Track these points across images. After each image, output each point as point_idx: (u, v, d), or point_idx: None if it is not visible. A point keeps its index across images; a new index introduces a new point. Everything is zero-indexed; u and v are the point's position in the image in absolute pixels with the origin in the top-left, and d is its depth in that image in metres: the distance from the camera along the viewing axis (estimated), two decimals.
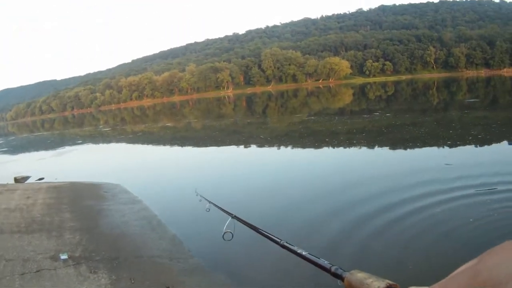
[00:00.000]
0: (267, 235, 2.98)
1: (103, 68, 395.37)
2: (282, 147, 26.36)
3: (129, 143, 39.37)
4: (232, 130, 41.64)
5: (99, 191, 16.80)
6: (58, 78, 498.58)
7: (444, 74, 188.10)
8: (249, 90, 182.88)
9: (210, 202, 5.42)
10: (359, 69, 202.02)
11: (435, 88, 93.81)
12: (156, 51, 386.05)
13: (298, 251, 2.37)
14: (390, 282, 1.00)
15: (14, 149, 50.07)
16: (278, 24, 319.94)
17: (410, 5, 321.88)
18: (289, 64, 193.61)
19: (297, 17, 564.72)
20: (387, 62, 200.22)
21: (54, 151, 37.85)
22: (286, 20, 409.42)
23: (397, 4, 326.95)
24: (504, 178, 12.64)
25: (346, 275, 1.68)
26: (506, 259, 0.64)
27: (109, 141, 44.17)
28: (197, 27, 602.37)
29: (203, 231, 10.58)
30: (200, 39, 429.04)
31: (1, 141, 67.15)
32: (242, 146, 28.60)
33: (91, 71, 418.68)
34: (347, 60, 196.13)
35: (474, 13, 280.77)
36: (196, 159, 24.94)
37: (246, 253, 9.06)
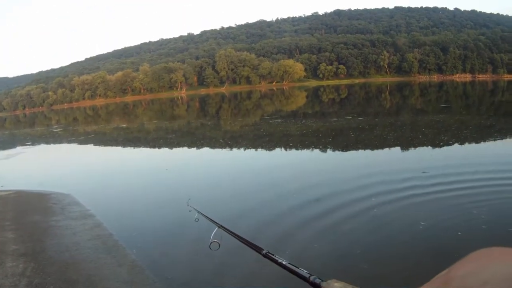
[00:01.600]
0: (250, 244, 2.96)
1: (56, 66, 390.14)
2: (235, 149, 26.60)
3: (82, 144, 38.74)
4: (186, 131, 41.59)
5: (48, 202, 15.54)
6: (10, 76, 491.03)
7: (397, 79, 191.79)
8: (203, 91, 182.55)
9: (199, 210, 5.12)
10: (313, 72, 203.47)
11: (387, 92, 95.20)
12: (110, 49, 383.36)
13: (279, 261, 2.37)
14: None
15: None
16: (233, 25, 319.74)
17: (365, 10, 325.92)
18: (243, 66, 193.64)
19: (252, 19, 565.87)
20: (341, 66, 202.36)
21: (1, 153, 36.94)
22: (242, 21, 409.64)
23: (352, 9, 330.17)
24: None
25: (323, 284, 1.70)
26: (477, 268, 0.65)
27: (60, 142, 43.41)
28: (151, 26, 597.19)
29: (178, 244, 10.36)
30: (155, 38, 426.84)
31: None
32: (194, 148, 28.49)
33: (44, 69, 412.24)
34: (301, 63, 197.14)
35: (429, 20, 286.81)
36: (151, 163, 24.41)
37: (227, 263, 8.81)
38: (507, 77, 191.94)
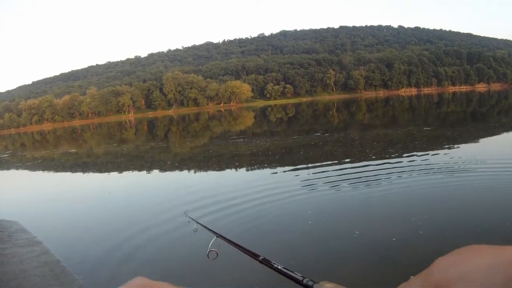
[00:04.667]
0: (247, 251, 3.18)
1: (2, 90, 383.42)
2: (185, 171, 26.89)
3: (29, 170, 38.43)
4: (135, 155, 41.54)
5: None
6: None
7: (343, 96, 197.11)
8: (151, 114, 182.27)
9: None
10: (260, 92, 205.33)
11: (335, 109, 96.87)
12: (57, 73, 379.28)
13: (275, 266, 2.61)
14: None
15: None
16: (180, 48, 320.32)
17: (311, 30, 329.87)
18: (191, 88, 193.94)
19: (199, 41, 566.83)
20: (288, 85, 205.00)
21: None
22: (189, 44, 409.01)
23: (298, 29, 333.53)
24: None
25: (315, 286, 1.69)
26: (457, 261, 0.64)
27: (8, 169, 42.99)
28: (98, 49, 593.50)
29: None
30: (102, 61, 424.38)
31: None
32: (144, 172, 28.40)
33: None
34: (248, 83, 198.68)
35: (373, 37, 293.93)
36: (98, 187, 24.40)
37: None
38: (451, 89, 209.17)
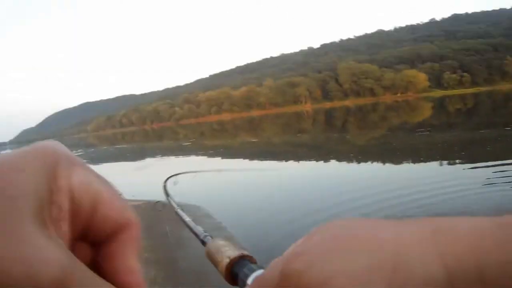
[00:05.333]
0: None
1: (181, 83, 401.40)
2: (362, 163, 25.35)
3: (212, 157, 39.12)
4: (313, 145, 41.44)
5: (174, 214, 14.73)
6: (137, 93, 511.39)
7: None
8: (328, 105, 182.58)
9: None
10: (437, 81, 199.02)
11: None
12: (233, 66, 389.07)
13: (183, 218, 2.13)
14: (245, 252, 0.99)
15: (94, 161, 50.66)
16: (352, 37, 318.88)
17: (483, 12, 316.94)
18: (366, 78, 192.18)
19: (370, 29, 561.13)
20: (465, 74, 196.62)
21: (133, 165, 37.95)
22: (360, 32, 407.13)
23: (469, 12, 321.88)
24: None
25: (210, 241, 1.42)
26: (324, 255, 0.59)
27: (189, 155, 44.13)
28: (272, 41, 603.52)
29: None
30: (275, 53, 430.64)
31: (81, 152, 68.52)
32: (322, 162, 27.51)
33: (170, 86, 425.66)
34: (424, 72, 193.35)
35: None
36: (281, 177, 22.94)
37: None
38: None
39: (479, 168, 19.08)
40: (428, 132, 39.27)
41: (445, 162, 21.98)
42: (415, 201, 13.85)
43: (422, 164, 22.24)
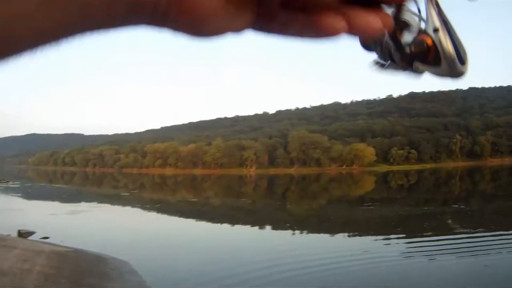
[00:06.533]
0: None
1: (131, 130, 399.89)
2: (297, 232, 26.13)
3: (146, 211, 39.13)
4: (249, 210, 41.72)
5: (105, 267, 15.52)
6: (86, 133, 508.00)
7: (468, 163, 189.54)
8: (272, 171, 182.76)
9: None
10: (384, 156, 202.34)
11: (457, 177, 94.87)
12: (186, 121, 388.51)
13: None
14: None
15: (28, 196, 50.14)
16: (308, 106, 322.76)
17: (439, 92, 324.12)
18: (315, 148, 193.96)
19: (327, 100, 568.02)
20: (412, 150, 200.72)
21: (67, 207, 37.80)
22: (316, 103, 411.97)
23: (426, 91, 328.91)
24: None
25: None
26: None
27: (124, 206, 44.07)
28: (227, 102, 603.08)
29: None
30: (230, 114, 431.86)
31: (18, 185, 67.81)
32: (257, 228, 28.55)
33: (119, 132, 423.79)
34: (373, 147, 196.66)
35: (503, 100, 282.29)
36: (211, 238, 24.37)
37: None
38: None
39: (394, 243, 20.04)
40: (365, 206, 40.30)
41: (365, 235, 22.89)
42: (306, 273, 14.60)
43: (347, 236, 23.07)
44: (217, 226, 29.92)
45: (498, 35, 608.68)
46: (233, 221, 31.79)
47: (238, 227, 29.34)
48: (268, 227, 28.62)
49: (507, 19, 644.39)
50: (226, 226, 29.78)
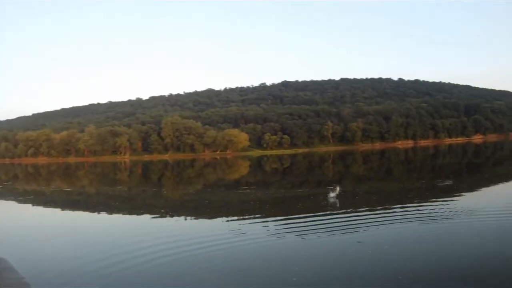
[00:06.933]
0: None
1: (2, 118, 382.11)
2: (175, 217, 26.72)
3: (20, 203, 38.15)
4: (126, 197, 41.74)
5: None
6: None
7: (340, 147, 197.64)
8: (146, 157, 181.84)
9: None
10: (257, 141, 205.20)
11: (331, 160, 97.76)
12: (58, 107, 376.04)
13: None
14: None
15: None
16: (182, 93, 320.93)
17: (312, 81, 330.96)
18: (188, 134, 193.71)
19: (201, 87, 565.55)
20: (285, 136, 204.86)
21: None
22: (190, 89, 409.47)
23: (299, 80, 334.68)
24: None
25: None
26: None
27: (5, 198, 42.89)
28: (101, 87, 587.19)
29: None
30: (104, 100, 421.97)
31: None
32: (135, 215, 28.57)
33: None
34: (246, 132, 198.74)
35: (373, 90, 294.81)
36: (90, 229, 23.96)
37: None
38: (448, 140, 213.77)
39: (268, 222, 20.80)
40: (241, 190, 41.07)
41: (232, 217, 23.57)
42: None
43: (224, 219, 23.55)
44: (95, 215, 29.68)
45: (368, 31, 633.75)
46: (110, 209, 31.75)
47: (115, 215, 29.26)
48: (145, 214, 28.55)
49: (375, 18, 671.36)
50: (103, 215, 29.42)
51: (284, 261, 15.10)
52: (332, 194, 28.19)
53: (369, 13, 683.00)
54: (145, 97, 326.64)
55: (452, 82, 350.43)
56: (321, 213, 23.69)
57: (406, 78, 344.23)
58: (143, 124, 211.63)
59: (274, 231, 19.93)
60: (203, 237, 19.12)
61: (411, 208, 24.32)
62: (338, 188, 28.84)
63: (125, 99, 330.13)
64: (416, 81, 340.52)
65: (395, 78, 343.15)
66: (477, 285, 11.81)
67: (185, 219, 26.13)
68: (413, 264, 13.80)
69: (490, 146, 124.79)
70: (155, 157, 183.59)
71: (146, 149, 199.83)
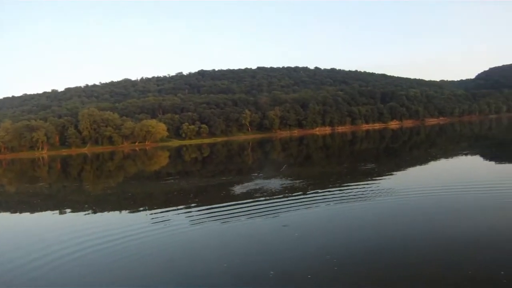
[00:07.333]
0: None
1: None
2: (99, 212, 26.81)
3: None
4: (48, 194, 41.71)
5: None
6: None
7: (258, 135, 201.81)
8: (65, 152, 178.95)
9: None
10: (176, 131, 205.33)
11: (250, 148, 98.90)
12: None
13: None
14: None
15: None
16: (98, 83, 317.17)
17: (229, 70, 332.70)
18: (106, 126, 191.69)
19: (117, 77, 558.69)
20: (203, 125, 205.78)
21: None
22: (106, 80, 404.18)
23: (216, 69, 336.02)
24: None
25: None
26: None
27: None
28: (15, 79, 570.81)
29: None
30: (18, 93, 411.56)
31: None
32: (58, 212, 28.53)
33: None
34: (164, 122, 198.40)
35: (290, 78, 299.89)
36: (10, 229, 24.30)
37: None
38: (365, 126, 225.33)
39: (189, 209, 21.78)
40: (163, 181, 41.76)
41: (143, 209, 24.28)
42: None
43: (147, 211, 23.63)
44: (16, 215, 29.68)
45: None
46: (32, 208, 31.39)
47: (38, 214, 29.08)
48: (68, 210, 28.74)
49: (290, 9, 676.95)
50: (25, 214, 29.36)
51: (211, 248, 15.78)
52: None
53: (284, 4, 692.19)
54: (60, 88, 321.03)
55: (367, 71, 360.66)
56: (245, 200, 24.49)
57: (322, 67, 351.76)
58: (60, 117, 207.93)
59: (198, 220, 20.63)
60: (128, 229, 19.62)
61: (335, 191, 25.69)
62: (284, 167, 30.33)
63: (40, 91, 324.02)
64: (332, 69, 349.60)
65: (312, 67, 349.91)
66: (402, 255, 13.27)
67: (109, 213, 26.37)
68: (339, 244, 14.94)
69: (407, 131, 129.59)
70: (74, 151, 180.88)
71: (64, 143, 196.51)
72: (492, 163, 40.00)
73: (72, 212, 28.09)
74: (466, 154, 47.52)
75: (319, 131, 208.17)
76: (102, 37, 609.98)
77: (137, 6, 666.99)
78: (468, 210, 18.83)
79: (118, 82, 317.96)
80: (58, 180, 58.71)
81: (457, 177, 28.82)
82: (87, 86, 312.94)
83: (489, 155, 45.62)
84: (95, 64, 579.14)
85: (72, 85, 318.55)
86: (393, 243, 14.53)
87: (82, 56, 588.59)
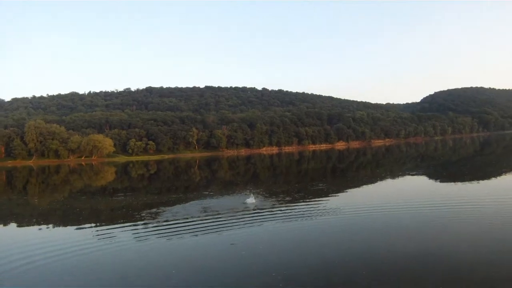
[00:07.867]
0: None
1: None
2: (44, 225, 26.79)
3: None
4: None
5: None
6: None
7: (205, 154, 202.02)
8: (10, 163, 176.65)
9: None
10: (123, 147, 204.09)
11: (197, 166, 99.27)
12: None
13: None
14: None
15: None
16: (45, 95, 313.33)
17: (177, 88, 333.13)
18: (52, 139, 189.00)
19: (64, 90, 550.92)
20: (151, 142, 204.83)
21: None
22: (54, 92, 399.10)
23: (164, 86, 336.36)
24: None
25: None
26: None
27: None
28: None
29: None
30: None
31: None
32: (1, 225, 28.82)
33: None
34: (111, 138, 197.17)
35: (238, 98, 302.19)
36: None
37: None
38: (312, 147, 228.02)
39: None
40: (109, 197, 41.98)
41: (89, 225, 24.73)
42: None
43: (93, 226, 23.83)
44: None
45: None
46: None
47: None
48: (13, 223, 29.12)
49: (241, 30, 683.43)
50: None
51: (160, 264, 16.32)
52: (249, 200, 30.19)
53: (233, 25, 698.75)
54: (7, 98, 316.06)
55: (315, 93, 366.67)
56: (191, 218, 25.29)
57: (270, 88, 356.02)
58: (5, 127, 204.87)
59: (145, 237, 21.18)
60: (73, 244, 20.04)
61: (282, 208, 26.90)
62: (251, 195, 31.22)
63: None
64: (280, 91, 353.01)
65: (259, 87, 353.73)
66: (344, 270, 14.23)
67: (54, 227, 26.38)
68: (285, 261, 15.65)
69: (353, 152, 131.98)
70: (19, 163, 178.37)
71: (9, 154, 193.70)
72: (437, 182, 41.96)
73: (18, 226, 28.34)
74: (412, 174, 49.51)
75: (266, 150, 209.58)
76: (50, 46, 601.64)
77: (85, 19, 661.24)
78: (409, 228, 20.34)
79: (66, 95, 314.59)
80: (2, 193, 58.07)
81: (402, 196, 30.55)
82: (34, 97, 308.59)
83: (434, 175, 47.79)
84: (42, 76, 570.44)
85: (19, 95, 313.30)
86: (337, 260, 15.44)
87: (30, 66, 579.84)
